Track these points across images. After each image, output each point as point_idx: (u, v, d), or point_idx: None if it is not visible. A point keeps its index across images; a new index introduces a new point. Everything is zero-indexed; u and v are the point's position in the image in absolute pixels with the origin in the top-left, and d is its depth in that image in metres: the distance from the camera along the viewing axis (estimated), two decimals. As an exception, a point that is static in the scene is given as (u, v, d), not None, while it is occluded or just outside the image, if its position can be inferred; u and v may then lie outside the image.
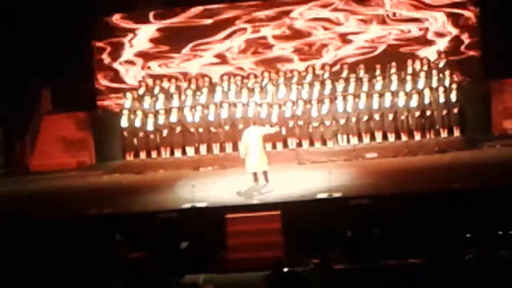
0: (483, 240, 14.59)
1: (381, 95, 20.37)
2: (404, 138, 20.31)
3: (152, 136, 20.79)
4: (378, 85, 20.84)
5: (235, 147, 20.41)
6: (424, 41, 22.37)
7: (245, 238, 15.47)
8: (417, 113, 20.11)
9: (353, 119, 20.32)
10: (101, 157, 22.26)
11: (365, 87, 20.81)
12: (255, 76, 21.94)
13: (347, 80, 21.08)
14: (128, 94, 21.63)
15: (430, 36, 22.37)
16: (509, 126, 21.07)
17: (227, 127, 20.57)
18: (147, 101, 21.35)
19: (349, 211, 15.51)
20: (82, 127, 22.61)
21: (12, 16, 22.08)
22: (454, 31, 22.29)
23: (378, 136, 20.44)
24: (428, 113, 20.14)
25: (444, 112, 20.11)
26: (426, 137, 20.26)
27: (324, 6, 22.66)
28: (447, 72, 20.85)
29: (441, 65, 21.35)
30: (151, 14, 23.17)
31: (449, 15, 22.29)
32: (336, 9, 22.62)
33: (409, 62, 21.46)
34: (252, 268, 14.49)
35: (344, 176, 17.86)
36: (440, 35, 22.34)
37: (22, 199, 18.65)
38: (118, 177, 20.38)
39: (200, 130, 20.63)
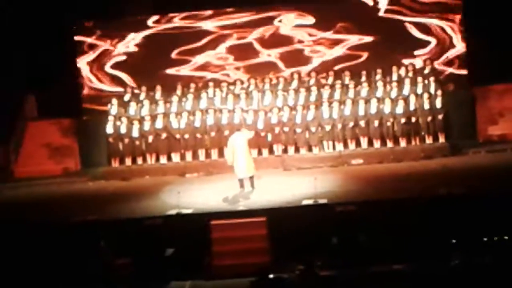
0: (468, 246, 14.62)
1: (367, 101, 20.42)
2: (389, 144, 20.37)
3: (137, 142, 20.77)
4: (364, 92, 20.88)
5: (221, 154, 20.42)
6: (409, 48, 22.38)
7: (231, 244, 15.46)
8: (403, 120, 20.17)
9: (339, 126, 20.36)
10: (87, 163, 22.20)
11: (351, 93, 20.85)
12: (241, 83, 21.95)
13: (332, 86, 21.12)
14: (114, 100, 21.61)
15: (415, 42, 22.40)
16: (494, 132, 21.18)
17: (213, 134, 20.57)
18: (133, 107, 21.33)
19: (335, 217, 15.51)
20: (67, 133, 22.53)
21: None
22: (439, 38, 22.33)
23: (364, 142, 20.48)
24: (413, 119, 20.21)
25: (429, 118, 20.18)
26: (412, 143, 20.33)
27: (310, 13, 22.67)
28: (432, 79, 20.92)
29: (426, 71, 21.41)
30: (138, 21, 23.10)
31: (433, 22, 22.33)
32: (321, 16, 22.63)
33: (395, 68, 21.52)
34: (237, 275, 14.51)
35: (330, 183, 17.88)
36: (425, 41, 22.38)
37: (6, 206, 18.54)
38: (104, 184, 20.33)
39: (186, 136, 20.62)
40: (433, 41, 22.34)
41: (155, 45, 23.07)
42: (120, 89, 22.81)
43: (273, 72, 22.52)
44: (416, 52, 22.32)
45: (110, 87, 23.16)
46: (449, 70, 22.27)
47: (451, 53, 22.32)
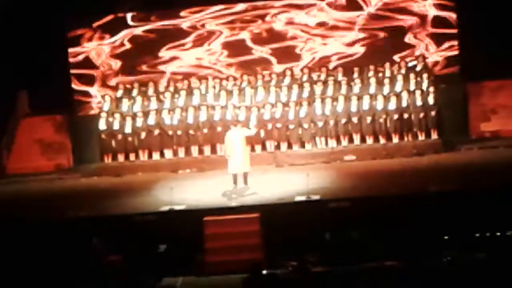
0: (461, 242, 14.66)
1: (359, 97, 20.44)
2: (382, 140, 20.39)
3: (130, 138, 20.75)
4: (356, 88, 20.89)
5: (214, 150, 20.43)
6: (402, 44, 22.38)
7: (224, 240, 15.45)
8: (395, 116, 20.19)
9: (331, 122, 20.36)
10: (79, 159, 22.18)
11: (343, 89, 20.86)
12: (234, 79, 21.94)
13: (325, 82, 21.12)
14: (106, 97, 21.61)
15: (408, 39, 22.41)
16: (486, 129, 21.22)
17: (205, 130, 20.55)
18: (125, 104, 21.30)
19: (328, 214, 15.53)
20: (60, 129, 22.50)
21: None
22: (432, 34, 22.33)
23: (356, 138, 20.50)
24: (406, 116, 20.24)
25: (422, 115, 20.19)
26: (404, 139, 20.35)
27: (302, 9, 22.65)
28: (424, 75, 20.93)
29: (418, 68, 21.42)
30: (129, 17, 23.05)
31: (426, 18, 22.34)
32: (314, 12, 22.62)
33: (387, 65, 21.51)
34: (230, 271, 14.51)
35: (322, 179, 17.88)
36: (418, 38, 22.38)
37: (-1, 202, 18.55)
38: (96, 180, 20.31)
39: (179, 132, 20.61)
40: (426, 38, 22.33)
41: (148, 41, 23.02)
42: (112, 85, 22.74)
43: (266, 68, 22.52)
44: (408, 49, 22.31)
45: (103, 84, 23.08)
46: (442, 66, 22.27)
47: (444, 50, 22.32)
